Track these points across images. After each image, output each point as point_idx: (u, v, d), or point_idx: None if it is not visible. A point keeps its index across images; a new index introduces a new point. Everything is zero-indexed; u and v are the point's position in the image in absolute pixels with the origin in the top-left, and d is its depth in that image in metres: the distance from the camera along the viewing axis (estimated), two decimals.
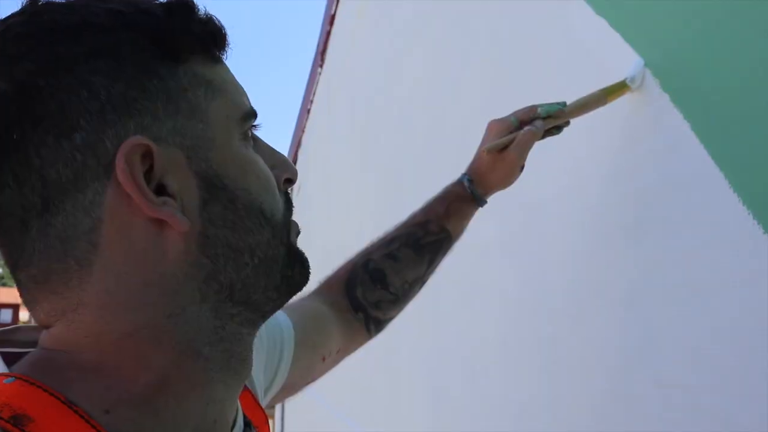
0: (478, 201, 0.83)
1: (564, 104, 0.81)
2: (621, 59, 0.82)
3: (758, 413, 0.59)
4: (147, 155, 0.39)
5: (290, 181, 0.48)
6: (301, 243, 0.48)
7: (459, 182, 0.83)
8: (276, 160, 0.47)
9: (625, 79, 0.80)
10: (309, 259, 0.48)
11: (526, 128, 0.79)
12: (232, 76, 0.46)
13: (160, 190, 0.40)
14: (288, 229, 0.46)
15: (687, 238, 0.71)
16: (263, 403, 0.58)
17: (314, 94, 4.02)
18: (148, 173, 0.39)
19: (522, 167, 0.83)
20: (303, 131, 4.42)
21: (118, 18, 0.40)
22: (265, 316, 0.46)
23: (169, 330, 0.40)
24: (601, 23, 0.87)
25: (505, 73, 1.20)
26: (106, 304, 0.39)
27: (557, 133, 0.84)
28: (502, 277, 1.18)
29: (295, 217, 0.48)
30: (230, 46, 0.45)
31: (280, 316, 0.70)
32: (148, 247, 0.39)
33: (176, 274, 0.40)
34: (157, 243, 0.40)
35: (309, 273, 0.48)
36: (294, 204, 0.49)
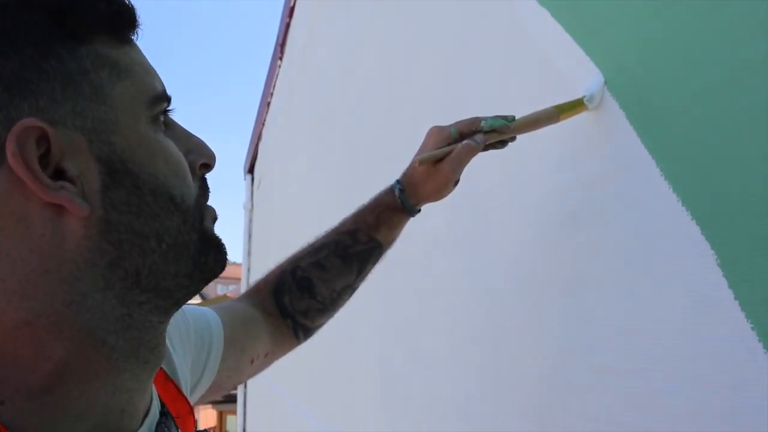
0: (410, 211, 0.80)
1: (512, 118, 0.77)
2: (581, 70, 0.79)
3: (689, 396, 0.60)
4: (43, 138, 0.37)
5: (207, 166, 0.47)
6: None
7: (390, 190, 0.81)
8: (192, 144, 0.46)
9: (583, 96, 0.76)
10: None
11: (465, 142, 0.75)
12: (143, 57, 0.44)
13: (60, 174, 0.38)
14: (201, 215, 0.45)
15: (622, 227, 0.72)
16: (191, 400, 0.57)
17: (274, 86, 3.99)
18: (45, 157, 0.38)
19: (457, 181, 0.80)
20: (263, 124, 4.39)
21: None
22: (178, 303, 0.45)
23: (69, 318, 0.39)
24: (559, 30, 0.84)
25: (458, 70, 1.20)
26: (1, 292, 0.38)
27: (501, 148, 0.80)
28: (449, 266, 1.19)
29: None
30: (141, 25, 0.43)
31: (209, 315, 0.69)
32: (46, 233, 0.38)
33: (76, 260, 0.39)
34: (56, 229, 0.38)
35: (225, 259, 0.47)
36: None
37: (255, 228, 4.90)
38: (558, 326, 0.83)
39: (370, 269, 0.82)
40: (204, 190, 0.46)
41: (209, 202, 0.47)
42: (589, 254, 0.77)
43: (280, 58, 3.73)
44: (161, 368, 0.54)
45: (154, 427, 0.46)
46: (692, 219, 0.61)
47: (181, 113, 0.46)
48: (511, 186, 0.97)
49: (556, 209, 0.85)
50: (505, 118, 0.76)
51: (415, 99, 1.42)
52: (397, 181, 0.81)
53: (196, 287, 0.45)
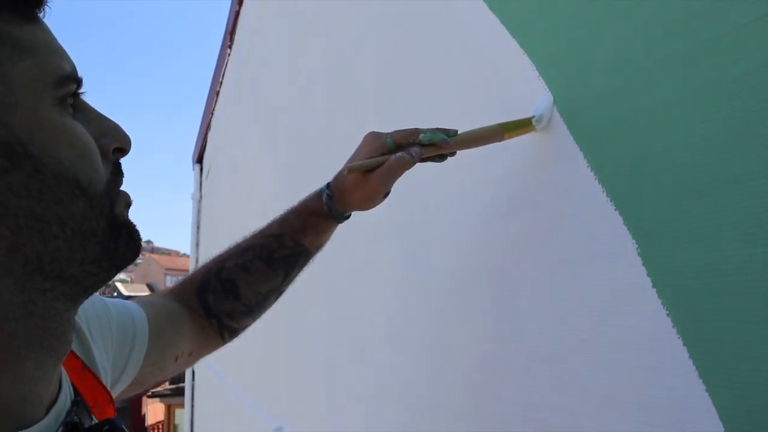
0: (336, 218, 0.77)
1: (454, 132, 0.73)
2: (529, 85, 0.77)
3: (619, 378, 0.62)
4: None
5: (122, 151, 0.46)
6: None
7: (318, 195, 0.78)
8: (105, 128, 0.45)
9: (532, 117, 0.74)
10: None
11: (400, 154, 0.70)
12: (51, 36, 0.42)
13: None
14: (112, 201, 0.44)
15: (551, 216, 0.73)
16: (112, 394, 0.55)
17: (223, 76, 3.92)
18: None
19: (387, 194, 0.76)
20: (212, 114, 4.31)
21: None
22: (87, 290, 0.44)
23: None
24: (509, 41, 0.82)
25: (402, 62, 1.20)
26: None
27: (439, 161, 0.76)
28: (389, 255, 1.19)
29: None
30: (48, 3, 0.41)
31: (133, 309, 0.67)
32: None
33: None
34: None
35: (138, 246, 0.46)
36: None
37: (203, 219, 4.83)
38: (491, 313, 0.84)
39: (297, 273, 0.80)
40: (117, 175, 0.45)
41: (123, 187, 0.45)
42: (519, 243, 0.79)
43: (230, 47, 3.67)
44: (78, 358, 0.52)
45: (63, 416, 0.44)
46: (615, 210, 0.64)
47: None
48: (449, 176, 0.98)
49: (489, 199, 0.86)
50: (446, 132, 0.73)
51: (359, 92, 1.42)
52: (327, 186, 0.78)
53: (106, 274, 0.44)
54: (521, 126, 0.75)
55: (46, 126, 0.40)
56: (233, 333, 0.79)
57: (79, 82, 0.43)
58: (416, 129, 0.72)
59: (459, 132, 0.74)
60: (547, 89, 0.75)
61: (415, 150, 0.71)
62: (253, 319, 0.80)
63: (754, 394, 0.48)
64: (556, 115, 0.73)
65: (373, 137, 0.73)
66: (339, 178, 0.76)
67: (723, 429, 0.50)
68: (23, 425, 0.41)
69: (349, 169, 0.71)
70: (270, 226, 0.79)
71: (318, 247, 0.80)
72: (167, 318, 0.71)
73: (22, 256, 0.39)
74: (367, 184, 0.73)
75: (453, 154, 0.76)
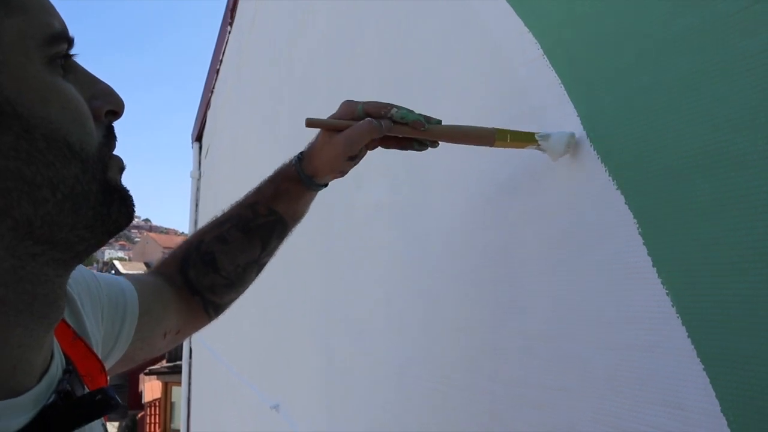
0: (305, 182, 0.77)
1: (437, 122, 0.71)
2: (533, 65, 0.74)
3: (617, 357, 0.62)
4: None
5: (114, 114, 0.45)
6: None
7: (291, 162, 0.78)
8: (97, 90, 0.44)
9: (535, 134, 0.70)
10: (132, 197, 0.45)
11: (367, 119, 0.70)
12: None
13: None
14: (105, 164, 0.43)
15: (554, 197, 0.73)
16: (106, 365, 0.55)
17: (223, 53, 3.89)
18: None
19: (353, 158, 0.76)
20: (212, 92, 4.29)
21: None
22: (78, 256, 0.43)
23: None
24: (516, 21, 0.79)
25: (404, 44, 1.19)
26: None
27: (419, 150, 0.75)
28: (388, 236, 1.19)
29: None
30: None
31: (124, 284, 0.66)
32: None
33: None
34: None
35: (131, 211, 0.45)
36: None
37: (202, 197, 4.82)
38: (489, 294, 0.84)
39: (276, 245, 0.80)
40: (109, 138, 0.44)
41: (116, 152, 0.45)
42: (519, 223, 0.79)
43: (230, 24, 3.64)
44: (70, 327, 0.52)
45: (55, 384, 0.44)
46: (617, 189, 0.63)
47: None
48: (449, 159, 0.97)
49: (488, 180, 0.86)
50: (428, 119, 0.71)
51: (362, 71, 1.41)
52: (300, 152, 0.78)
53: (98, 240, 0.43)
54: (521, 138, 0.70)
55: (35, 86, 0.39)
56: (218, 309, 0.79)
57: (70, 41, 0.42)
58: (391, 104, 0.72)
59: (445, 124, 0.72)
60: (561, 84, 0.71)
61: (384, 121, 0.70)
62: (236, 294, 0.80)
63: (750, 373, 0.48)
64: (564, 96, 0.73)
65: (347, 103, 0.74)
66: (310, 143, 0.78)
67: (719, 406, 0.50)
68: (15, 393, 0.40)
69: (307, 121, 0.71)
70: (246, 196, 0.79)
71: (294, 217, 0.80)
72: (155, 294, 0.71)
73: (11, 220, 0.38)
74: (331, 145, 0.73)
75: (435, 144, 0.74)
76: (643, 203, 0.60)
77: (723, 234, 0.51)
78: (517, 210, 0.79)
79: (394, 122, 0.70)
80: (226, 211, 0.79)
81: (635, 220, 0.60)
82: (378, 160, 1.21)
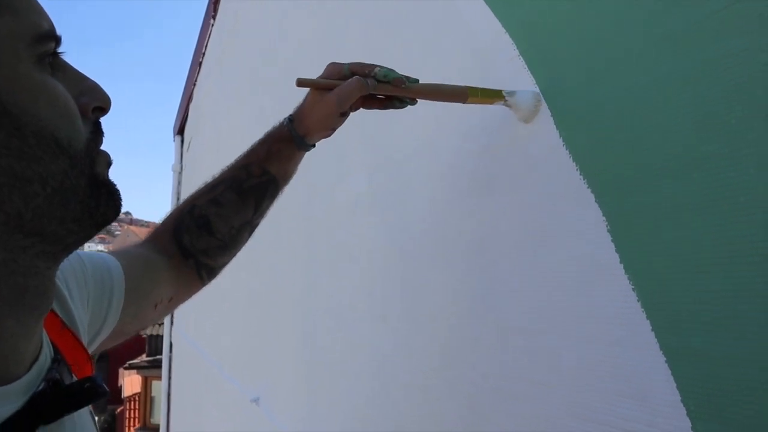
0: (297, 141, 0.81)
1: (415, 81, 0.77)
2: (510, 65, 0.78)
3: (589, 351, 0.64)
4: None
5: (101, 110, 0.46)
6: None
7: (282, 123, 0.82)
8: (85, 87, 0.45)
9: (502, 90, 0.75)
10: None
11: (356, 77, 0.75)
12: None
13: None
14: (92, 160, 0.44)
15: (527, 193, 0.75)
16: (91, 348, 0.56)
17: (206, 46, 3.87)
18: None
19: (343, 114, 0.79)
20: (194, 85, 4.26)
21: None
22: (67, 248, 0.44)
23: None
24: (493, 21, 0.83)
25: (387, 38, 1.21)
26: None
27: (399, 107, 0.80)
28: (369, 227, 1.21)
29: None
30: None
31: (109, 261, 0.68)
32: None
33: None
34: None
35: (119, 205, 0.46)
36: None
37: (184, 191, 4.79)
38: (467, 287, 0.86)
39: (268, 205, 0.82)
40: (97, 134, 0.45)
41: (103, 147, 0.46)
42: (494, 219, 0.81)
43: (213, 17, 3.63)
44: (58, 316, 0.53)
45: (44, 373, 0.45)
46: (588, 187, 0.65)
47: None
48: (429, 153, 0.99)
49: (466, 176, 0.88)
50: (407, 77, 0.76)
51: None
52: (290, 115, 0.82)
53: (87, 233, 0.44)
54: (489, 95, 0.76)
55: (25, 84, 0.40)
56: (211, 272, 0.81)
57: (57, 40, 0.43)
58: (374, 64, 0.76)
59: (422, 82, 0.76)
60: (536, 85, 0.75)
61: (370, 80, 0.75)
62: (229, 256, 0.82)
63: (707, 365, 0.50)
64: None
65: (333, 65, 0.78)
66: (300, 103, 0.81)
67: (679, 397, 0.52)
68: (6, 381, 0.42)
69: (298, 81, 0.75)
70: (238, 159, 0.82)
71: (285, 177, 0.83)
72: (143, 267, 0.72)
73: (2, 214, 0.39)
74: (323, 103, 0.77)
75: (414, 102, 0.79)
76: (611, 202, 0.62)
77: (686, 234, 0.53)
78: (493, 205, 0.81)
79: (378, 81, 0.75)
80: (216, 176, 0.81)
81: (604, 218, 0.63)
82: (359, 151, 1.22)
